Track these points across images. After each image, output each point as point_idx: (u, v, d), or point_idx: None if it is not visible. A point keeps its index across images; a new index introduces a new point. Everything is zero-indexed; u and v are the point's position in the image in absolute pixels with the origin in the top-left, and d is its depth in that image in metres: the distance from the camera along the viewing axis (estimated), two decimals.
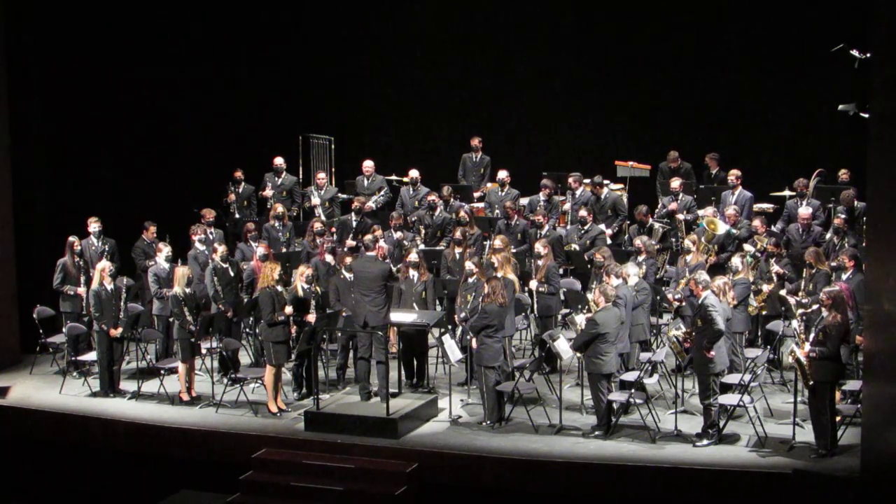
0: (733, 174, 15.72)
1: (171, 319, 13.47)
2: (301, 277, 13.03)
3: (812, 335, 11.14)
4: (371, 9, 19.56)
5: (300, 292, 12.98)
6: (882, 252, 10.16)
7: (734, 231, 14.45)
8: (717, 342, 11.45)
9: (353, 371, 13.29)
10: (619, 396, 11.95)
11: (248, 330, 14.46)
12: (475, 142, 17.74)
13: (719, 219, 14.70)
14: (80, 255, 14.61)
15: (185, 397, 13.27)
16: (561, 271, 14.36)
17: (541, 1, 18.99)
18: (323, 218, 16.31)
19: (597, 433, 11.89)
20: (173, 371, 13.53)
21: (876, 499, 9.98)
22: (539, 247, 13.86)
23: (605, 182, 16.43)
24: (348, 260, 13.29)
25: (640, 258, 13.48)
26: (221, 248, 14.07)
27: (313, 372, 12.99)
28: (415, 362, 13.45)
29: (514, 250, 14.49)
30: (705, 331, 11.46)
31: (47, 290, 14.67)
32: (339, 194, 17.12)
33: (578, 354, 11.99)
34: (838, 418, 11.37)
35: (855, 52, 12.30)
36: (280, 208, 15.97)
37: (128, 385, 13.76)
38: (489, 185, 17.33)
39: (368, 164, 17.22)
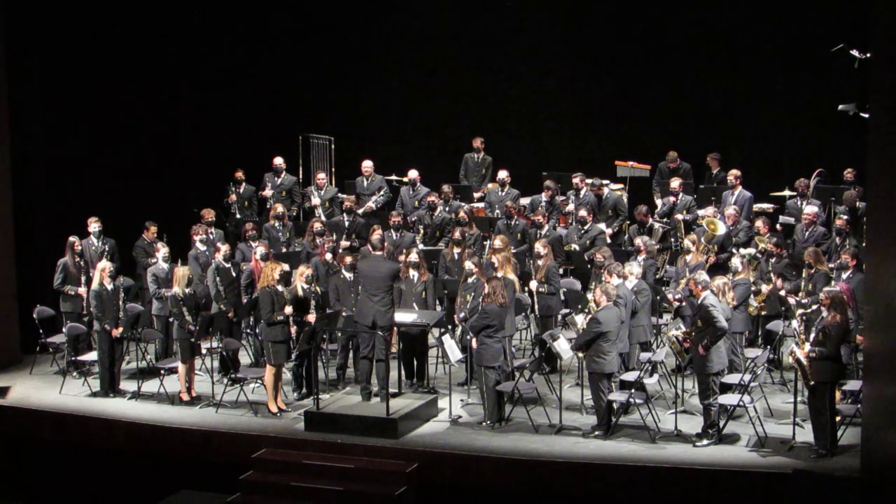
0: (733, 174, 15.73)
1: (170, 319, 13.47)
2: (301, 277, 13.02)
3: (812, 335, 11.14)
4: (371, 9, 19.56)
5: (300, 292, 12.98)
6: (882, 252, 10.16)
7: (734, 242, 14.44)
8: (718, 342, 11.46)
9: (353, 371, 13.29)
10: (619, 396, 11.95)
11: (248, 330, 14.46)
12: (477, 143, 17.73)
13: (719, 219, 14.70)
14: (80, 255, 14.61)
15: (185, 397, 13.27)
16: (561, 271, 14.36)
17: (541, 1, 18.99)
18: (323, 218, 16.31)
19: (597, 433, 11.89)
20: (173, 371, 13.53)
21: (876, 499, 9.98)
22: (539, 247, 13.86)
23: (605, 182, 16.44)
24: (348, 260, 13.29)
25: (640, 258, 13.48)
26: (224, 248, 14.07)
27: (313, 372, 12.99)
28: (415, 362, 13.44)
29: (513, 250, 14.49)
30: (706, 331, 11.46)
31: (47, 290, 14.67)
32: (339, 194, 17.11)
33: (580, 354, 11.97)
34: (838, 418, 11.37)
35: (855, 52, 12.30)
36: (280, 208, 15.97)
37: (128, 385, 13.76)
38: (489, 185, 17.33)
39: (368, 164, 17.22)
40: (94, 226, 15.01)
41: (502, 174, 16.65)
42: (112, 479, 12.89)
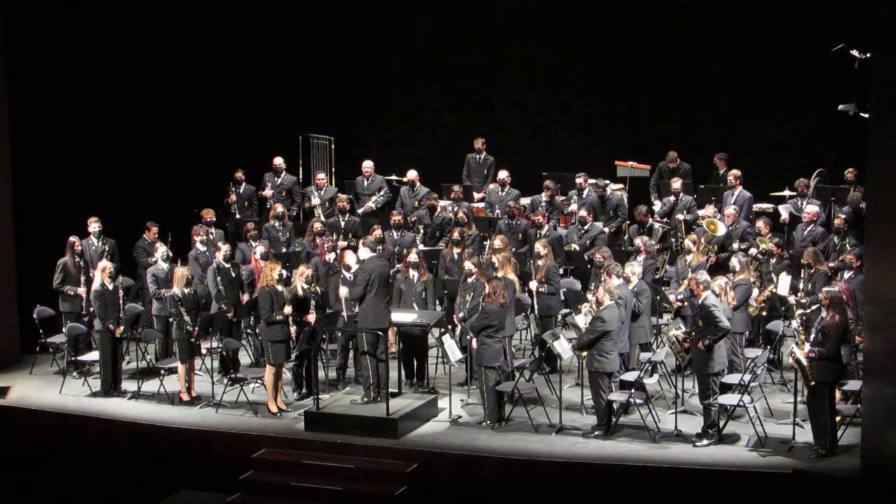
0: (733, 174, 15.74)
1: (170, 319, 13.48)
2: (301, 277, 13.03)
3: (812, 335, 11.14)
4: (371, 9, 19.56)
5: (300, 292, 12.98)
6: (882, 252, 10.16)
7: (739, 245, 14.44)
8: (719, 341, 11.46)
9: (354, 371, 13.29)
10: (619, 396, 11.95)
11: (248, 330, 14.46)
12: (478, 143, 17.74)
13: (719, 219, 14.71)
14: (80, 255, 14.62)
15: (185, 397, 13.27)
16: (561, 271, 14.36)
17: (542, 2, 18.99)
18: (323, 218, 16.32)
19: (597, 433, 11.89)
20: (173, 371, 13.53)
21: (876, 499, 9.97)
22: (539, 247, 13.86)
23: (606, 182, 16.44)
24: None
25: (640, 258, 13.48)
26: (225, 248, 14.07)
27: (313, 372, 12.99)
28: (415, 362, 13.45)
29: (514, 250, 14.49)
30: (706, 330, 11.46)
31: (47, 290, 14.66)
32: (339, 194, 17.12)
33: (584, 353, 11.95)
34: (838, 418, 11.37)
35: (855, 52, 12.29)
36: (280, 208, 15.99)
37: (128, 385, 13.76)
38: (491, 186, 17.34)
39: (368, 165, 17.22)
40: (94, 226, 15.01)
41: (502, 174, 16.66)
42: (112, 479, 12.90)
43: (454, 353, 12.60)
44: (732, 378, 11.87)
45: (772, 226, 14.64)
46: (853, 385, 11.78)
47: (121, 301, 13.57)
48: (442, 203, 16.48)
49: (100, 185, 16.85)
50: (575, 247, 15.08)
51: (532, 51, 19.10)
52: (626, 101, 18.64)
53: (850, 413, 11.56)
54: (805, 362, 11.03)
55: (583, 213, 15.34)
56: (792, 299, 12.91)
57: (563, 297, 13.97)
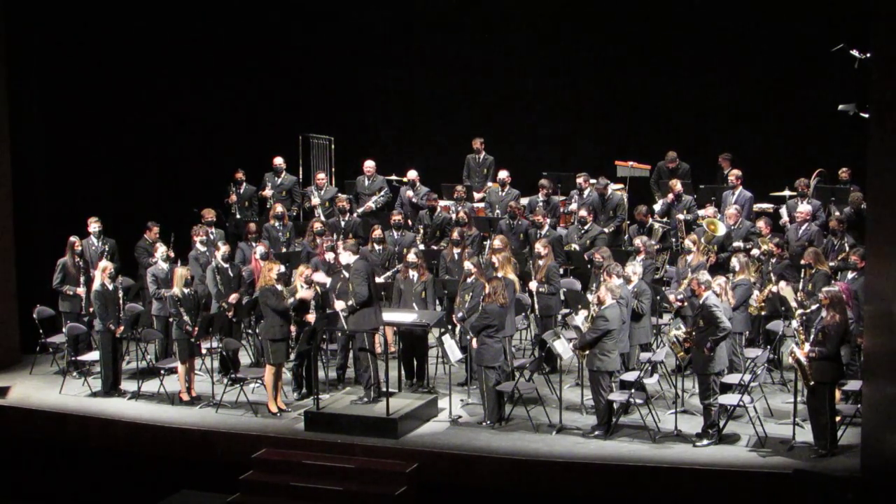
0: (733, 174, 15.74)
1: (170, 320, 13.48)
2: (301, 277, 13.02)
3: (812, 335, 11.13)
4: (371, 9, 19.55)
5: (304, 294, 12.97)
6: (882, 252, 10.17)
7: (739, 244, 14.43)
8: (721, 342, 11.46)
9: (354, 371, 13.29)
10: (619, 396, 11.95)
11: (248, 330, 14.46)
12: (477, 144, 17.74)
13: (720, 219, 14.71)
14: (80, 255, 14.62)
15: (185, 397, 13.27)
16: (561, 271, 14.36)
17: (541, 1, 18.99)
18: (323, 218, 16.32)
19: (597, 433, 11.89)
20: (173, 371, 13.53)
21: (876, 499, 9.98)
22: (539, 247, 13.86)
23: (606, 182, 16.44)
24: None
25: (640, 258, 13.48)
26: (224, 248, 14.07)
27: (313, 372, 12.99)
28: (415, 362, 13.45)
29: (513, 250, 14.49)
30: (707, 331, 11.46)
31: (47, 290, 14.67)
32: (339, 194, 17.12)
33: (587, 352, 11.94)
34: (838, 418, 11.37)
35: (855, 52, 12.30)
36: (280, 208, 15.99)
37: (128, 385, 13.77)
38: (490, 184, 17.35)
39: (370, 164, 17.22)
40: (94, 226, 15.01)
41: (503, 174, 16.65)
42: (112, 479, 12.89)
43: (454, 353, 12.60)
44: (732, 378, 11.87)
45: (772, 226, 14.64)
46: (853, 385, 11.78)
47: (121, 301, 13.58)
48: (443, 203, 16.48)
49: (100, 185, 16.85)
50: (575, 247, 15.08)
51: (532, 51, 19.09)
52: (626, 101, 18.63)
53: (850, 413, 11.56)
54: (805, 362, 11.03)
55: (583, 213, 15.34)
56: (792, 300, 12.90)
57: (563, 297, 13.97)
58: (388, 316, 12.80)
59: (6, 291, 15.15)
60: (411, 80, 19.66)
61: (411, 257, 13.63)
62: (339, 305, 12.62)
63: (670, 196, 15.98)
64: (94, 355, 13.96)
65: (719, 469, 10.98)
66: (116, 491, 12.90)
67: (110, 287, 13.53)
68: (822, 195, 15.56)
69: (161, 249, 14.26)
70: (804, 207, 14.82)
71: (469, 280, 13.12)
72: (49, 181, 16.18)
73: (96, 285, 13.54)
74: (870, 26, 10.44)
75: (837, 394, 11.54)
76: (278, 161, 17.18)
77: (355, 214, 16.46)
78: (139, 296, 15.02)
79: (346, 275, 13.16)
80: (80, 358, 14.15)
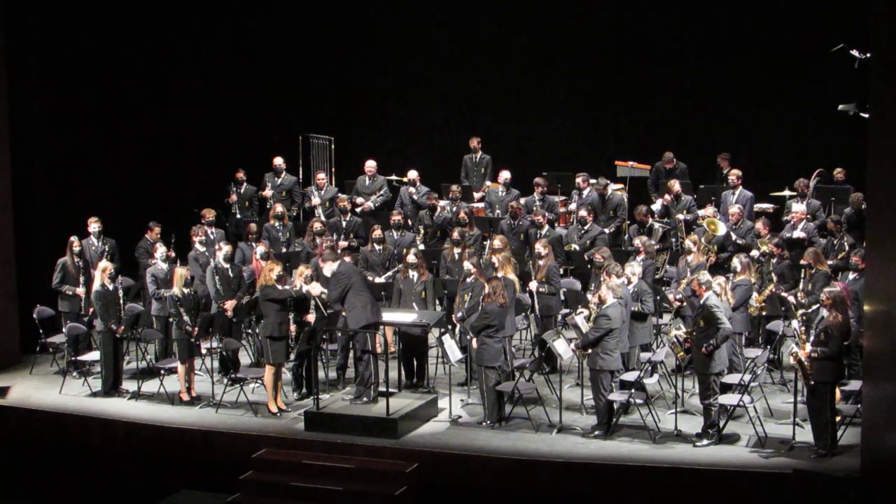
0: (734, 174, 15.74)
1: (170, 320, 13.48)
2: (301, 277, 13.03)
3: (813, 335, 11.13)
4: (371, 9, 19.56)
5: (311, 293, 12.98)
6: (882, 252, 10.16)
7: (739, 241, 14.43)
8: (722, 344, 11.45)
9: (354, 371, 13.28)
10: (619, 396, 11.95)
11: (248, 330, 14.46)
12: (474, 143, 17.75)
13: (720, 219, 14.70)
14: (79, 255, 14.61)
15: (185, 397, 13.27)
16: (561, 271, 14.36)
17: (542, 1, 18.99)
18: (323, 218, 16.32)
19: (597, 433, 11.89)
20: (173, 371, 13.53)
21: (876, 499, 9.98)
22: (539, 247, 13.86)
23: (606, 182, 16.44)
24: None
25: (640, 258, 13.49)
26: (226, 248, 14.07)
27: (313, 372, 12.99)
28: (415, 362, 13.45)
29: (513, 249, 14.50)
30: (708, 331, 11.46)
31: (47, 290, 14.67)
32: (340, 194, 17.12)
33: (588, 351, 11.93)
34: (838, 418, 11.37)
35: (855, 52, 12.29)
36: (280, 208, 15.99)
37: (128, 385, 13.76)
38: (489, 183, 17.34)
39: (371, 164, 17.22)
40: (94, 226, 15.01)
41: (505, 174, 16.62)
42: (112, 479, 12.89)
43: (454, 353, 12.60)
44: (732, 378, 11.87)
45: (771, 227, 14.65)
46: (853, 385, 11.78)
47: (121, 301, 13.58)
48: (442, 203, 16.49)
49: (100, 185, 16.84)
50: (575, 247, 15.08)
51: (532, 50, 19.11)
52: (626, 101, 18.63)
53: (850, 413, 11.56)
54: (806, 363, 11.02)
55: (583, 213, 15.34)
56: (792, 299, 12.90)
57: (563, 297, 13.97)
58: (388, 316, 12.79)
59: (6, 291, 15.14)
60: (411, 80, 19.65)
61: (411, 257, 13.63)
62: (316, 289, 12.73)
63: (667, 197, 15.97)
64: (94, 355, 13.97)
65: (719, 469, 10.98)
66: (116, 491, 12.90)
67: (110, 287, 13.53)
68: (822, 195, 15.57)
69: (161, 250, 14.27)
70: (798, 208, 14.85)
71: (468, 280, 13.12)
72: (49, 181, 16.18)
73: (96, 286, 13.54)
74: (870, 26, 10.43)
75: (837, 394, 11.54)
76: (278, 161, 17.18)
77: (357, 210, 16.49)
78: (139, 296, 15.03)
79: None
80: (80, 358, 14.15)
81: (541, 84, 19.16)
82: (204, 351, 13.77)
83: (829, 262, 13.36)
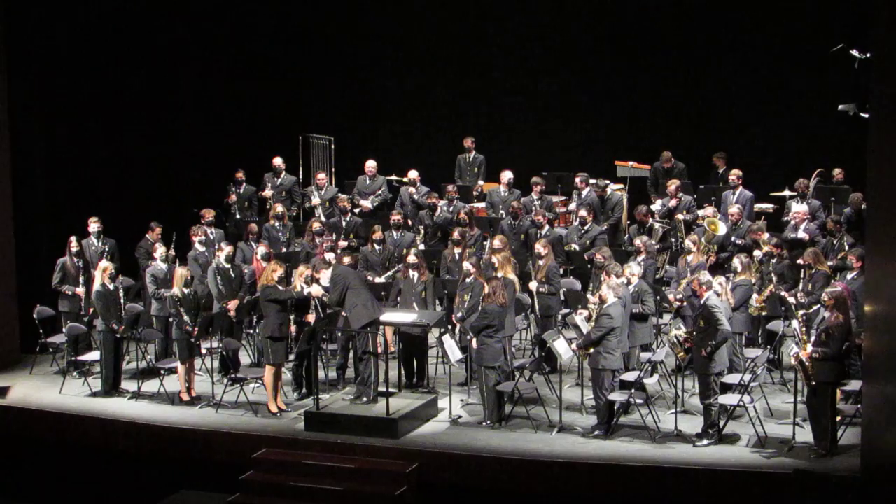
0: (734, 174, 15.73)
1: (170, 319, 13.48)
2: (301, 277, 13.03)
3: (813, 336, 11.13)
4: (371, 9, 19.56)
5: (310, 292, 12.99)
6: (882, 252, 10.16)
7: (739, 241, 14.42)
8: (722, 345, 11.45)
9: (354, 371, 13.29)
10: (619, 396, 11.94)
11: (248, 330, 14.46)
12: (468, 142, 17.75)
13: (720, 219, 14.70)
14: (78, 255, 14.61)
15: (185, 397, 13.27)
16: (561, 271, 14.36)
17: (541, 1, 18.99)
18: (323, 218, 16.32)
19: (597, 433, 11.89)
20: (173, 371, 13.53)
21: (876, 499, 9.98)
22: (539, 247, 13.86)
23: (606, 182, 16.44)
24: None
25: (640, 258, 13.49)
26: (227, 249, 14.06)
27: (313, 372, 12.99)
28: (415, 362, 13.44)
29: (514, 250, 14.49)
30: (708, 331, 11.46)
31: (47, 290, 14.67)
32: (340, 194, 17.12)
33: (590, 350, 11.93)
34: (838, 418, 11.37)
35: (855, 52, 12.29)
36: (280, 208, 15.98)
37: (128, 385, 13.76)
38: (482, 183, 17.34)
39: (371, 164, 17.21)
40: (94, 226, 15.00)
41: (508, 175, 16.58)
42: (112, 479, 12.89)
43: (454, 353, 12.60)
44: (732, 378, 11.87)
45: (764, 229, 14.65)
46: (853, 385, 11.78)
47: (121, 301, 13.58)
48: (442, 203, 16.48)
49: (100, 185, 16.84)
50: (575, 247, 15.07)
51: (532, 50, 19.09)
52: (626, 101, 18.63)
53: (850, 413, 11.56)
54: (807, 363, 11.02)
55: (583, 213, 15.34)
56: (792, 299, 12.90)
57: (563, 297, 13.97)
58: (388, 316, 12.78)
59: (6, 291, 15.14)
60: (411, 80, 19.65)
61: (411, 258, 13.63)
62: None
63: (673, 201, 15.91)
64: (94, 355, 13.96)
65: (719, 469, 10.98)
66: (116, 491, 12.90)
67: (111, 287, 13.53)
68: (821, 195, 15.56)
69: (160, 250, 14.27)
70: (798, 208, 14.84)
71: (468, 280, 13.12)
72: (49, 181, 16.17)
73: (97, 286, 13.54)
74: (870, 26, 10.43)
75: (838, 394, 11.54)
76: (278, 161, 17.17)
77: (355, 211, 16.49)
78: (139, 296, 15.02)
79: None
80: (80, 358, 14.15)
81: (541, 84, 19.14)
82: (204, 351, 13.77)
83: (830, 263, 13.35)
